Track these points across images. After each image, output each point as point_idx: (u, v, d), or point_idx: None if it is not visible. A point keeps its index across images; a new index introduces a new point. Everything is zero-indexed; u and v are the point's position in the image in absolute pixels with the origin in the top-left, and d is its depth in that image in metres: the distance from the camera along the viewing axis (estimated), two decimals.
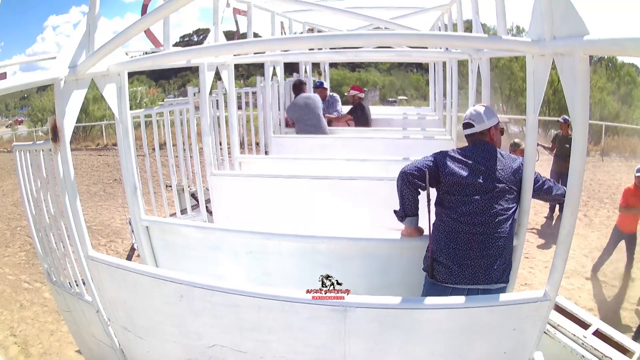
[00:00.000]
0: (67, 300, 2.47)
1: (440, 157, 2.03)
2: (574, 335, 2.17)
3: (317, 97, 4.92)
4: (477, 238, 1.92)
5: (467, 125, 2.12)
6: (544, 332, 1.99)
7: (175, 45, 3.29)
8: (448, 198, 2.00)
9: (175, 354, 2.07)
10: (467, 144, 2.13)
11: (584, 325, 2.24)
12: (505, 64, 16.06)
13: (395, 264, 2.18)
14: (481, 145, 2.06)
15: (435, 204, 2.05)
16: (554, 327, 2.19)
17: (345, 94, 6.19)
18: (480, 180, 1.95)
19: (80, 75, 2.00)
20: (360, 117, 5.53)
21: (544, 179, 2.13)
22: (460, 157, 2.02)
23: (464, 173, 1.97)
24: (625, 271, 4.81)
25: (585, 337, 2.16)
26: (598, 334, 2.21)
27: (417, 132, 4.94)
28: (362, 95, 5.76)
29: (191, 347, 2.00)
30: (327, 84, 6.50)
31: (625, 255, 4.82)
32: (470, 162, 2.00)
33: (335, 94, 5.92)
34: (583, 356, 2.10)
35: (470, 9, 3.39)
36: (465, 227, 1.94)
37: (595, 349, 2.11)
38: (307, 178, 3.16)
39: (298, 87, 5.03)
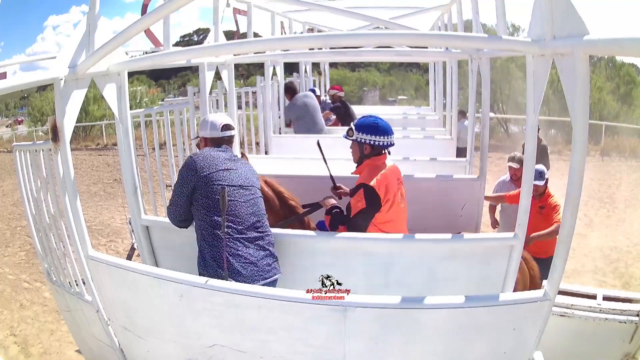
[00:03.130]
0: (67, 300, 2.47)
1: (195, 176, 2.05)
2: (589, 307, 2.38)
3: (313, 96, 4.96)
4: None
5: (228, 127, 2.22)
6: (561, 316, 2.24)
7: (175, 45, 3.28)
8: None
9: (175, 354, 2.07)
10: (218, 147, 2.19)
11: (592, 297, 2.47)
12: (502, 63, 16.03)
13: (396, 264, 2.18)
14: (228, 150, 2.19)
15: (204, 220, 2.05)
16: (567, 308, 2.39)
17: (326, 93, 6.35)
18: (242, 183, 2.09)
19: (80, 75, 2.00)
20: (343, 114, 5.69)
21: None
22: (220, 160, 2.08)
23: (232, 176, 2.08)
24: None
25: (600, 304, 2.39)
26: (607, 298, 2.45)
27: (417, 132, 4.94)
28: (341, 94, 6.01)
29: (191, 347, 2.00)
30: (327, 82, 6.55)
31: None
32: (231, 165, 2.10)
33: (330, 101, 6.10)
34: (606, 319, 2.32)
35: (470, 9, 3.39)
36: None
37: (612, 309, 2.35)
38: (307, 178, 3.15)
39: (292, 89, 5.12)
